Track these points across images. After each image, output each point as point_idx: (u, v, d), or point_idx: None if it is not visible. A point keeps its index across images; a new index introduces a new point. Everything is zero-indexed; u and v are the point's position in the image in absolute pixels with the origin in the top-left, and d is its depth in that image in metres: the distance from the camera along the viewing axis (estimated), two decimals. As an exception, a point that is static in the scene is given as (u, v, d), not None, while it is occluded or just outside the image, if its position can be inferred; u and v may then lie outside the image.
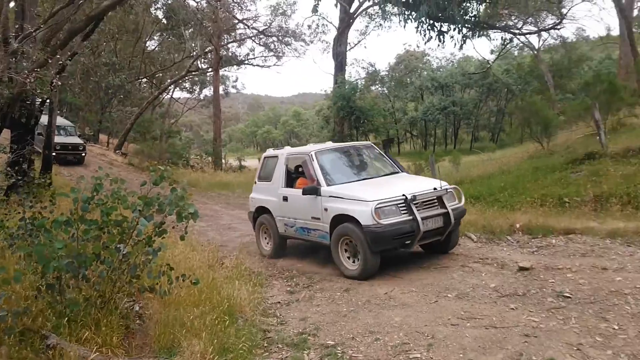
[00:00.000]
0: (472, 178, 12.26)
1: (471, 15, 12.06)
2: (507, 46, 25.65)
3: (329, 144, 7.70)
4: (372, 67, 29.87)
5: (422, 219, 5.66)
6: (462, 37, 11.90)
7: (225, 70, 30.33)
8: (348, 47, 19.46)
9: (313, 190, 6.32)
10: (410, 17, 11.99)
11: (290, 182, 7.22)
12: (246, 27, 26.43)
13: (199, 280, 4.00)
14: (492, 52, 31.35)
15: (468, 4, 11.89)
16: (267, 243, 7.61)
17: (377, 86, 33.97)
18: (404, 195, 5.72)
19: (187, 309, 4.08)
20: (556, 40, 25.05)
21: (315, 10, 17.08)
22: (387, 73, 34.38)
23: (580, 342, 3.42)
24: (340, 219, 5.98)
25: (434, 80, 34.97)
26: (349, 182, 6.46)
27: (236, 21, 26.10)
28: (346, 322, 4.50)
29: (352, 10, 16.37)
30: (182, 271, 4.15)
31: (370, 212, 5.54)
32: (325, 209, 6.19)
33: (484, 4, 13.01)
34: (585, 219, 7.20)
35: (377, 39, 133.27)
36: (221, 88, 31.04)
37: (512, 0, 16.30)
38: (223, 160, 27.84)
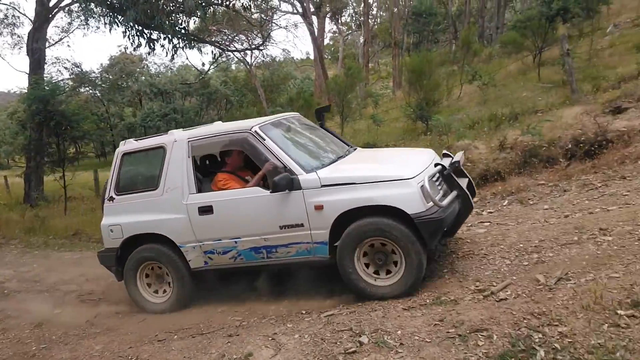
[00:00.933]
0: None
1: (181, 27, 12.19)
2: (218, 60, 27.17)
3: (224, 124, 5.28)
4: (77, 68, 26.91)
5: None
6: (173, 47, 11.91)
7: None
8: (48, 44, 17.12)
9: (288, 184, 4.12)
10: (117, 20, 11.30)
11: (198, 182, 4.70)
12: None
13: None
14: (203, 64, 32.75)
15: (177, 16, 11.98)
16: (158, 291, 4.96)
17: (87, 89, 30.87)
18: (439, 165, 4.29)
19: None
20: (265, 58, 27.93)
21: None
22: (98, 75, 31.58)
23: (275, 332, 3.78)
24: (351, 216, 4.07)
25: (153, 86, 34.03)
26: (332, 164, 4.46)
27: None
28: (34, 363, 3.86)
29: (51, 4, 14.36)
30: None
31: (418, 194, 3.90)
32: (318, 207, 4.09)
33: (192, 18, 13.33)
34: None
35: (87, 38, 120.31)
36: None
37: (220, 18, 17.29)
38: None
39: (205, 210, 4.47)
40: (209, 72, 31.33)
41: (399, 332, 3.38)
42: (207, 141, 4.70)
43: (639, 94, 7.66)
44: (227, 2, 13.47)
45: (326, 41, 41.20)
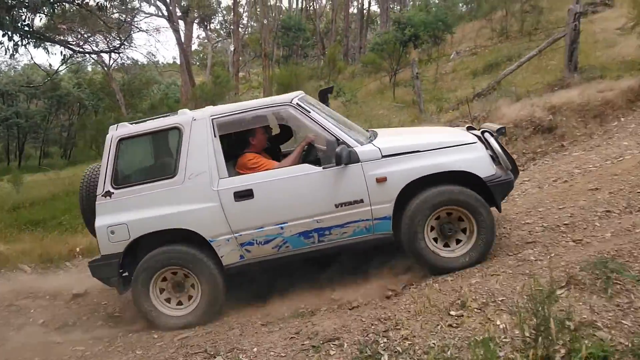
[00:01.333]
0: (33, 200, 11.13)
1: (24, 23, 10.85)
2: (69, 61, 24.81)
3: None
4: None
5: None
6: (14, 45, 10.55)
7: None
8: None
9: (347, 156, 3.76)
10: (-54, 13, 9.66)
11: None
12: None
13: None
14: (50, 65, 29.74)
15: (20, 11, 10.65)
16: (170, 300, 4.12)
17: None
18: (486, 132, 4.23)
19: None
20: (125, 61, 26.16)
21: None
22: None
23: (122, 361, 3.52)
24: (411, 189, 3.87)
25: (-9, 86, 29.80)
26: (376, 138, 4.17)
27: None
28: None
29: None
30: None
31: (487, 157, 3.96)
32: (381, 179, 3.84)
33: (38, 15, 11.98)
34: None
35: None
36: None
37: (71, 17, 15.85)
38: None
39: (244, 195, 3.92)
40: (60, 74, 28.39)
41: (255, 349, 3.36)
42: (234, 118, 4.10)
43: (473, 114, 8.71)
44: (80, 0, 12.35)
45: (194, 47, 40.06)
